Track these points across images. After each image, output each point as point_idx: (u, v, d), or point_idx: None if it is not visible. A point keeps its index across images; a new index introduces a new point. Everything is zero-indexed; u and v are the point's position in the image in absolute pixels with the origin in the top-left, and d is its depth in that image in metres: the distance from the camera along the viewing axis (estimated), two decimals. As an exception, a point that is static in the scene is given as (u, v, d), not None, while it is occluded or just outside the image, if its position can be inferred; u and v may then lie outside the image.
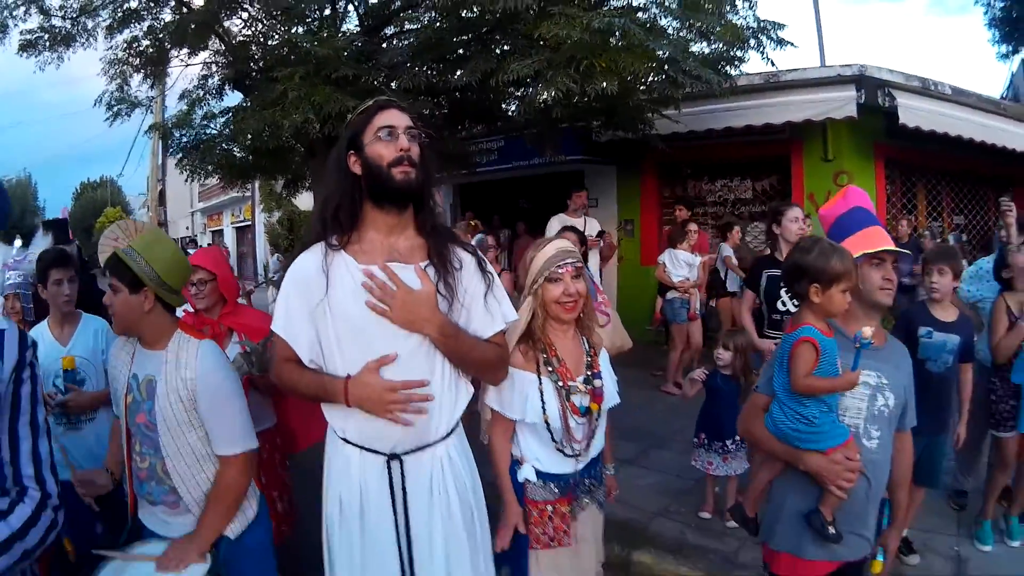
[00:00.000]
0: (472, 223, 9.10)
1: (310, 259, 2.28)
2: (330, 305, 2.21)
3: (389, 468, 2.25)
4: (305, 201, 16.46)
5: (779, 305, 4.61)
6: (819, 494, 2.50)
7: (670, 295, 8.22)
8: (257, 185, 17.93)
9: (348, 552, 2.32)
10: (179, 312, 3.01)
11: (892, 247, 2.73)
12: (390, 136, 2.22)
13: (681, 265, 8.14)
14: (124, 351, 2.67)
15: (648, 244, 11.51)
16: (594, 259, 7.74)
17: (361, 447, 2.28)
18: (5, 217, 1.85)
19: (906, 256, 3.13)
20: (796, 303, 3.32)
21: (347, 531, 2.32)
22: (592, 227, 7.95)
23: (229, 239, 32.13)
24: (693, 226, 8.54)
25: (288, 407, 3.64)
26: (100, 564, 2.45)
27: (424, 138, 2.32)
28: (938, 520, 4.65)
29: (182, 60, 8.88)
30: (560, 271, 2.62)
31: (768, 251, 5.22)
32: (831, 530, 2.46)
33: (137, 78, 9.10)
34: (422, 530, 2.27)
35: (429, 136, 2.37)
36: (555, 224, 7.48)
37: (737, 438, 4.53)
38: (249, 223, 28.88)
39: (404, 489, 2.26)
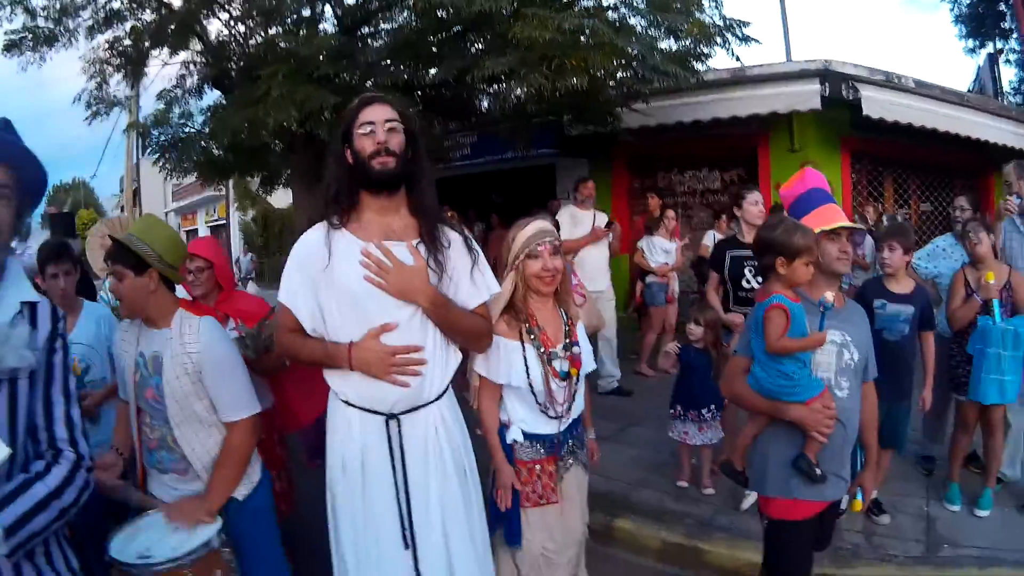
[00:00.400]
0: (449, 215, 9.24)
1: (314, 236, 2.51)
2: (332, 278, 2.42)
3: (388, 427, 2.46)
4: (279, 199, 16.42)
5: (744, 283, 4.81)
6: (802, 442, 2.78)
7: (649, 279, 8.40)
8: (231, 183, 17.81)
9: (351, 508, 2.52)
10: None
11: (846, 223, 3.01)
12: (370, 131, 2.44)
13: (658, 251, 8.34)
14: (129, 333, 2.86)
15: (621, 234, 11.63)
16: (603, 250, 7.80)
17: (361, 408, 2.49)
18: (43, 188, 2.01)
19: (860, 231, 3.40)
20: (760, 280, 3.58)
21: (350, 488, 2.51)
22: (600, 219, 7.87)
23: (204, 238, 31.90)
24: (671, 212, 8.74)
25: (286, 387, 3.76)
26: (112, 531, 2.61)
27: (416, 126, 2.54)
28: (908, 484, 4.90)
29: (162, 60, 8.95)
30: (539, 248, 2.84)
31: (731, 233, 5.43)
32: (817, 471, 2.75)
33: (116, 77, 9.13)
34: (419, 484, 2.48)
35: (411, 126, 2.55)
36: (565, 216, 7.53)
37: (712, 407, 4.77)
38: (224, 222, 28.79)
39: (402, 447, 2.46)
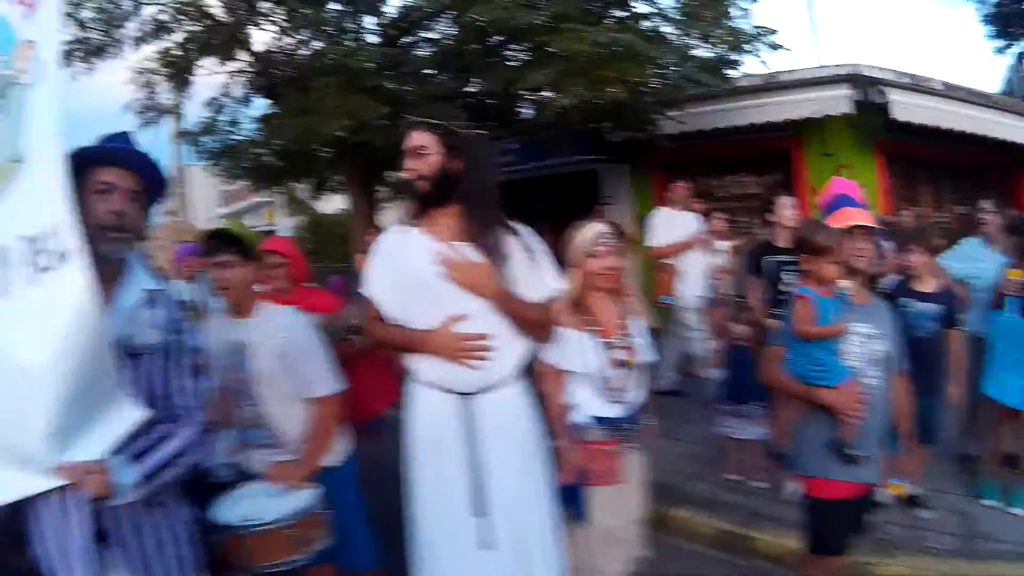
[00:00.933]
0: None
1: (394, 236, 2.82)
2: (411, 273, 2.69)
3: (460, 405, 2.69)
4: (328, 205, 16.58)
5: (782, 287, 4.85)
6: (836, 425, 2.99)
7: None
8: (280, 190, 18.12)
9: (425, 478, 2.76)
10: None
11: (861, 223, 3.30)
12: (407, 159, 2.73)
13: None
14: (216, 324, 3.14)
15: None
16: (700, 258, 7.28)
17: (438, 388, 2.72)
18: (165, 191, 2.29)
19: (876, 230, 3.64)
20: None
21: (424, 461, 2.76)
22: (695, 221, 7.44)
23: (252, 244, 32.03)
24: (719, 215, 8.44)
25: (357, 377, 3.89)
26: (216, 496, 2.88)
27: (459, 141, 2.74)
28: (948, 481, 5.00)
29: (209, 70, 9.28)
30: (601, 248, 3.10)
31: (766, 239, 5.49)
32: (850, 453, 2.96)
33: (165, 86, 9.50)
34: (488, 458, 2.69)
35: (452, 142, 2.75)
36: (660, 219, 7.37)
37: (755, 403, 4.91)
38: (272, 227, 29.00)
39: (473, 424, 2.69)
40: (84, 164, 1.98)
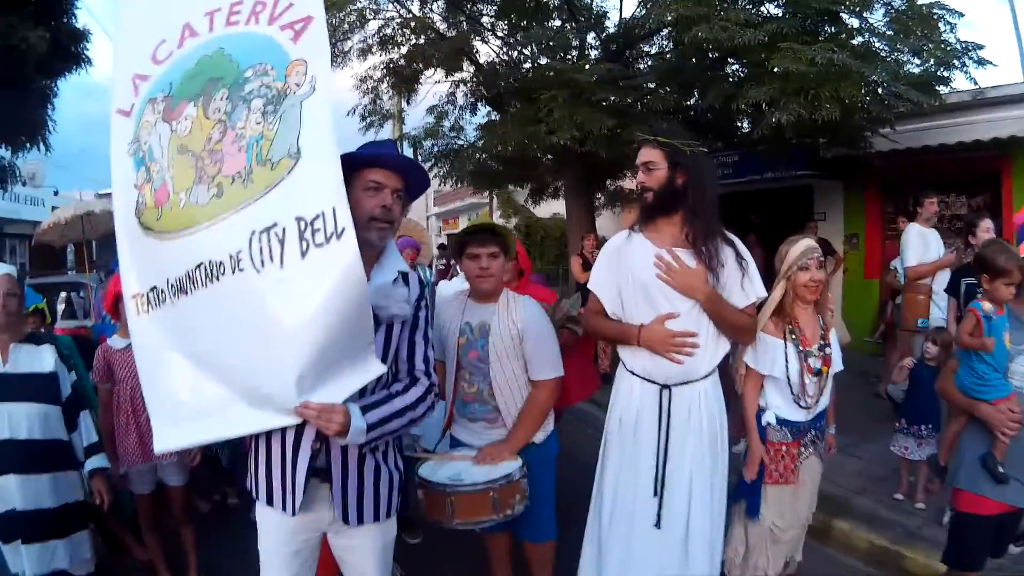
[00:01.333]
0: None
1: (619, 240, 3.21)
2: (631, 274, 3.07)
3: (661, 395, 3.07)
4: (544, 209, 16.92)
5: None
6: (992, 441, 3.14)
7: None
8: (499, 192, 18.73)
9: (618, 456, 3.15)
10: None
11: None
12: (638, 171, 3.10)
13: None
14: (451, 306, 3.58)
15: (872, 258, 11.49)
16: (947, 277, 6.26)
17: (642, 378, 3.11)
18: (424, 190, 2.68)
19: None
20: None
21: (621, 440, 3.15)
22: (940, 240, 6.84)
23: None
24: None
25: (565, 367, 4.37)
26: (418, 463, 3.32)
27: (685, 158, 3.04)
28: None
29: (434, 80, 9.99)
30: (808, 262, 3.34)
31: (966, 260, 5.45)
32: (1000, 469, 3.10)
33: (387, 94, 10.32)
34: (677, 446, 3.04)
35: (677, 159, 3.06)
36: (913, 233, 6.80)
37: (930, 425, 4.98)
38: (486, 228, 29.80)
39: (669, 413, 3.05)
40: (358, 165, 2.35)
